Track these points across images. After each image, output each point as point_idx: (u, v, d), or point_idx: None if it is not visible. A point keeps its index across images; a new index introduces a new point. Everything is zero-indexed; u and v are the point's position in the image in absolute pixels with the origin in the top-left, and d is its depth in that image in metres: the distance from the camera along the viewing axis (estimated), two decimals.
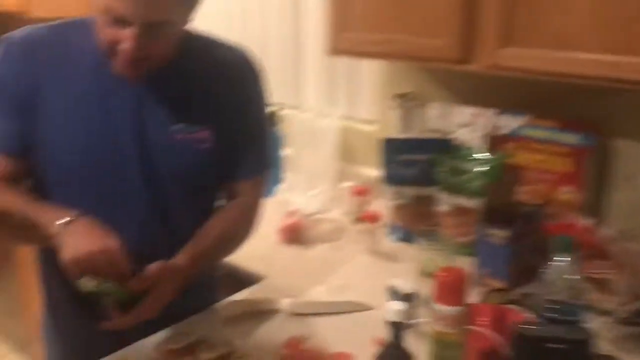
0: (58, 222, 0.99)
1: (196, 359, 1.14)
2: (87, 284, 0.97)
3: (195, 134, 1.14)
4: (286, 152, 2.17)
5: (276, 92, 2.29)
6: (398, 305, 0.93)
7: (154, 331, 1.21)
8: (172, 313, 1.22)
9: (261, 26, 2.33)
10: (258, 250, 1.54)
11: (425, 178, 1.69)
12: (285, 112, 2.22)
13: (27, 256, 2.51)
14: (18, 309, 2.66)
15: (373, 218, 1.67)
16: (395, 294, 1.29)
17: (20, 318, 2.66)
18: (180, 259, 1.10)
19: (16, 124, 1.08)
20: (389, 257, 1.66)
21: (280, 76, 2.32)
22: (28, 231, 1.03)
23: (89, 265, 0.96)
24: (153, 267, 1.02)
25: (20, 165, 1.11)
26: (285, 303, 1.35)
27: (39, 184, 1.15)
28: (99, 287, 0.97)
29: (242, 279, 1.53)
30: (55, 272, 1.15)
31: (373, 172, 2.03)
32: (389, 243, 1.74)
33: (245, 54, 1.23)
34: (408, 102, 1.92)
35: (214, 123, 1.16)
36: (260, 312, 1.33)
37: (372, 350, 1.19)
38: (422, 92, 1.90)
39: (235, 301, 1.38)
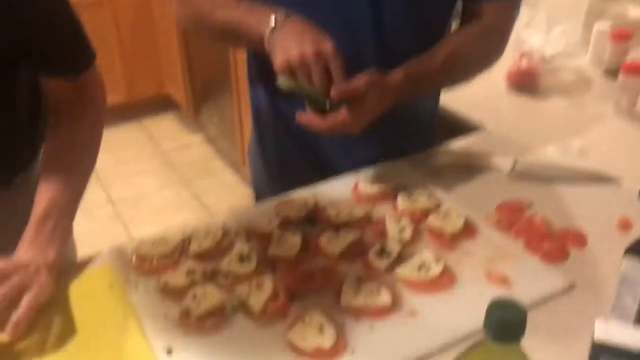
0: (269, 22, 0.89)
1: (394, 208, 0.99)
2: (288, 82, 0.87)
3: None
4: None
5: None
6: None
7: (355, 165, 1.09)
8: (378, 150, 1.11)
9: None
10: (481, 95, 1.30)
11: None
12: None
13: (244, 80, 2.55)
14: (234, 131, 2.78)
15: (635, 70, 1.30)
16: None
17: (236, 140, 2.80)
18: (395, 74, 0.95)
19: None
20: None
21: None
22: (239, 30, 0.95)
23: (301, 68, 0.86)
24: (362, 76, 0.89)
25: None
26: (505, 160, 1.12)
27: None
28: (299, 87, 0.87)
29: (459, 126, 1.31)
30: (262, 81, 1.11)
31: None
32: None
33: None
34: None
35: None
36: (474, 167, 1.12)
37: (614, 233, 0.95)
38: None
39: (447, 150, 1.18)
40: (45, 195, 0.88)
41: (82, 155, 0.97)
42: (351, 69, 0.89)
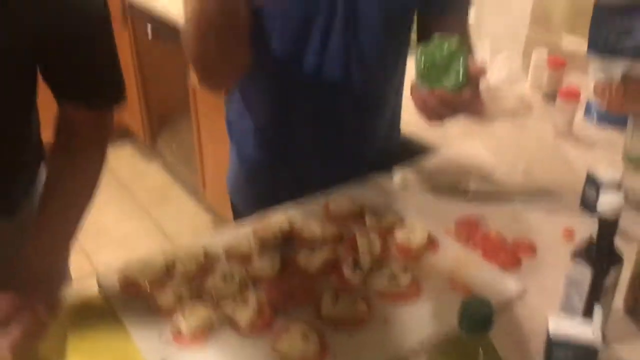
0: None
1: (363, 225, 1.07)
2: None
3: None
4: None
5: None
6: (612, 199, 0.76)
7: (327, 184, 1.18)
8: (343, 174, 1.20)
9: None
10: None
11: None
12: None
13: (202, 105, 2.61)
14: (193, 157, 2.83)
15: (571, 94, 1.43)
16: (596, 183, 1.10)
17: (195, 165, 2.84)
18: None
19: None
20: (586, 142, 1.44)
21: None
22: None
23: None
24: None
25: None
26: (459, 179, 1.22)
27: None
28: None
29: (417, 148, 1.41)
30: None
31: (573, 40, 1.75)
32: (588, 125, 1.51)
33: None
34: None
35: None
36: (433, 185, 1.22)
37: (559, 242, 1.06)
38: None
39: (408, 170, 1.28)
40: (47, 221, 0.90)
41: (87, 185, 0.97)
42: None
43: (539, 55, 1.69)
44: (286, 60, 1.09)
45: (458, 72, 0.90)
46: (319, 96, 1.13)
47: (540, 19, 1.84)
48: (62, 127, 0.97)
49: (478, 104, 0.94)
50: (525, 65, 1.76)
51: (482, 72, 0.92)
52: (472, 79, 0.91)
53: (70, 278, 1.14)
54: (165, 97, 3.04)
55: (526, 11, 1.80)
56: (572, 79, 1.68)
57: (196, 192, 3.01)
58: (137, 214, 3.00)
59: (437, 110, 0.93)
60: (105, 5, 0.91)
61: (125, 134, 3.54)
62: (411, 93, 0.97)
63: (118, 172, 3.35)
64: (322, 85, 1.10)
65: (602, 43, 1.45)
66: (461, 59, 0.90)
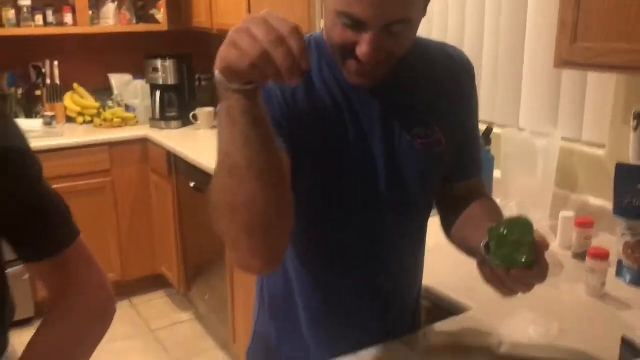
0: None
1: None
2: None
3: (432, 138, 1.10)
4: (496, 175, 2.01)
5: (487, 107, 2.16)
6: None
7: (351, 348, 1.17)
8: (370, 335, 1.19)
9: (476, 29, 2.21)
10: (463, 280, 1.42)
11: None
12: (496, 131, 2.06)
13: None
14: (225, 308, 2.84)
15: (600, 255, 1.44)
16: (633, 350, 1.07)
17: (227, 317, 2.84)
18: None
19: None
20: (619, 303, 1.42)
21: (492, 89, 2.17)
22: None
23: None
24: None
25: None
26: (491, 341, 1.21)
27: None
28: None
29: (446, 308, 1.42)
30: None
31: (599, 202, 1.79)
32: (620, 286, 1.49)
33: (461, 51, 1.18)
34: None
35: (444, 125, 1.11)
36: (463, 347, 1.21)
37: None
38: None
39: (438, 331, 1.27)
40: None
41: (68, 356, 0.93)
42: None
43: (566, 215, 1.73)
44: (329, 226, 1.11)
45: (528, 249, 0.92)
46: (359, 257, 1.14)
47: (566, 181, 1.90)
48: (48, 294, 0.94)
49: (545, 276, 0.94)
50: (553, 225, 1.79)
51: (546, 245, 0.93)
52: (539, 253, 0.93)
53: None
54: (202, 247, 3.13)
55: (551, 172, 1.87)
56: (601, 238, 1.69)
57: (227, 343, 2.98)
58: None
59: (513, 287, 0.95)
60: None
61: (159, 284, 3.60)
62: (480, 269, 0.99)
63: (150, 321, 3.36)
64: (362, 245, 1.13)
65: (627, 205, 1.49)
66: (528, 235, 0.93)
